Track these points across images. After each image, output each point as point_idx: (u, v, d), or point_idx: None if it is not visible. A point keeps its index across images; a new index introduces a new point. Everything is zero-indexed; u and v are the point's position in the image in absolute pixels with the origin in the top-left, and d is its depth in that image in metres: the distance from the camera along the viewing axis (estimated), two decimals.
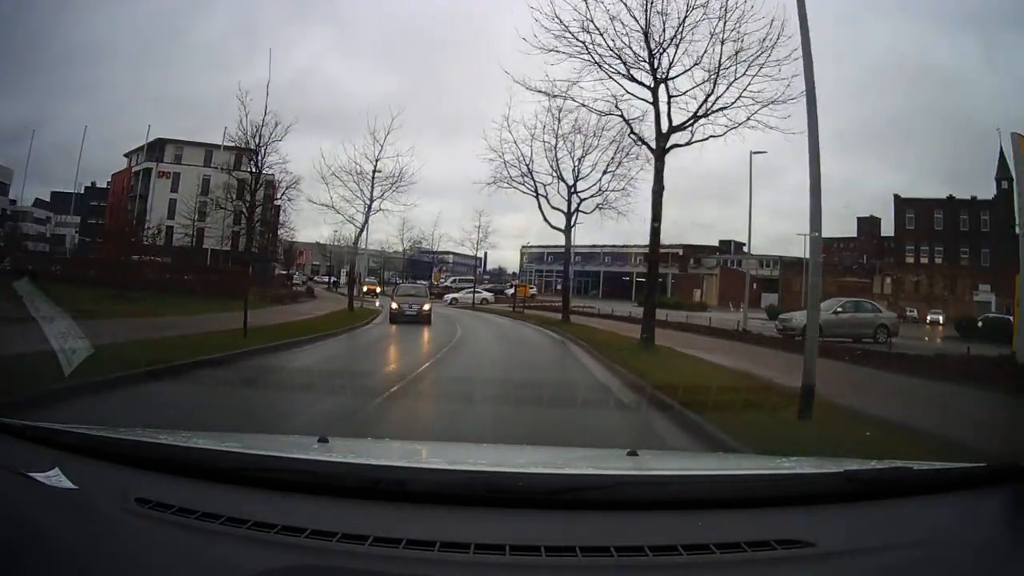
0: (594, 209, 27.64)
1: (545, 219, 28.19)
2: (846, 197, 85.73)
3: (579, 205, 27.60)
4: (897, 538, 1.65)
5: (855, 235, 69.82)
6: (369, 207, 29.94)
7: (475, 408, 7.48)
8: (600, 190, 27.21)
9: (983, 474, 1.92)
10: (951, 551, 1.62)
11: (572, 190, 27.35)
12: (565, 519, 1.68)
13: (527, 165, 27.53)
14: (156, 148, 55.99)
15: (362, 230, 31.32)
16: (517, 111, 36.93)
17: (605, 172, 27.00)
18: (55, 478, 1.76)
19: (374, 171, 29.69)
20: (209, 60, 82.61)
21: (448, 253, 71.68)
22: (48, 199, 67.13)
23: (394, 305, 24.38)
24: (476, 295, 48.32)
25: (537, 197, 27.77)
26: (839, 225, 65.01)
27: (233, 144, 41.50)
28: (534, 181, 27.83)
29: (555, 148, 26.89)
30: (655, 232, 16.07)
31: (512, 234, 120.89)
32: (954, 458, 2.68)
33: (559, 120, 25.82)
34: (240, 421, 5.83)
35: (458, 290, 52.89)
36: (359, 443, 3.03)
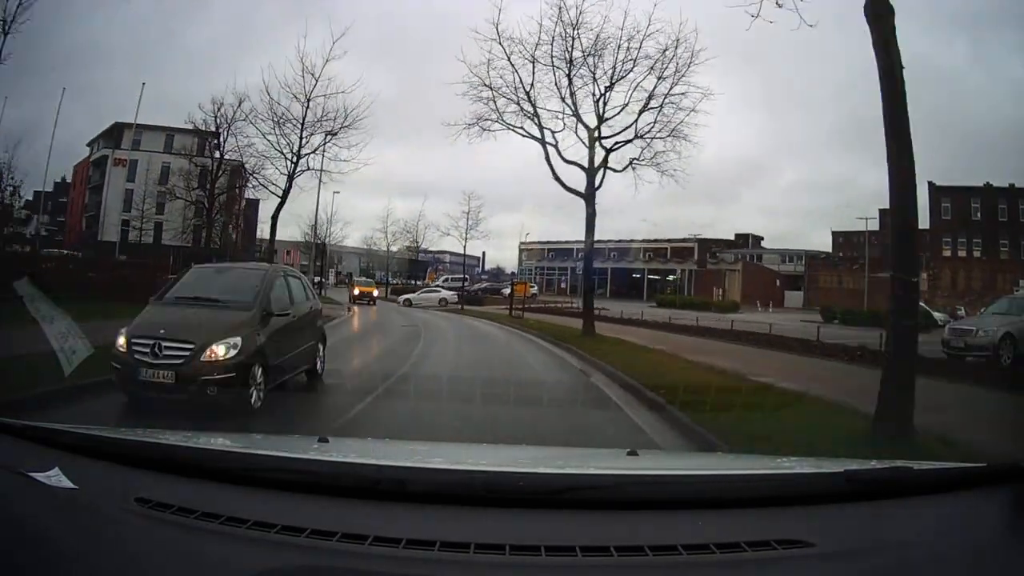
0: (627, 166, 19.46)
1: (556, 176, 19.43)
2: (845, 195, 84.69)
3: (606, 158, 19.13)
4: (897, 538, 1.65)
5: (877, 229, 64.67)
6: (295, 163, 21.14)
7: None
8: (636, 135, 18.94)
9: (983, 474, 1.92)
10: (951, 551, 1.62)
11: (595, 136, 18.78)
12: (565, 519, 1.68)
13: (528, 97, 18.95)
14: (114, 134, 49.40)
15: (284, 198, 22.48)
16: (512, 17, 23.80)
17: (645, 109, 18.76)
18: (55, 478, 1.76)
19: (304, 114, 21.41)
20: (203, 59, 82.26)
21: (445, 252, 70.33)
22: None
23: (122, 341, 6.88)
24: (433, 294, 42.40)
25: (544, 145, 19.19)
26: (846, 224, 62.63)
27: (193, 127, 36.64)
28: (538, 119, 19.04)
29: (569, 75, 18.60)
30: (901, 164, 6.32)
31: (514, 235, 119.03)
32: None
33: (576, 34, 18.18)
34: None
35: (413, 290, 47.29)
36: (359, 443, 3.04)
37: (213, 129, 35.36)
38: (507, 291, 43.91)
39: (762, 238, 74.39)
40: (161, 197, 43.37)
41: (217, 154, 38.45)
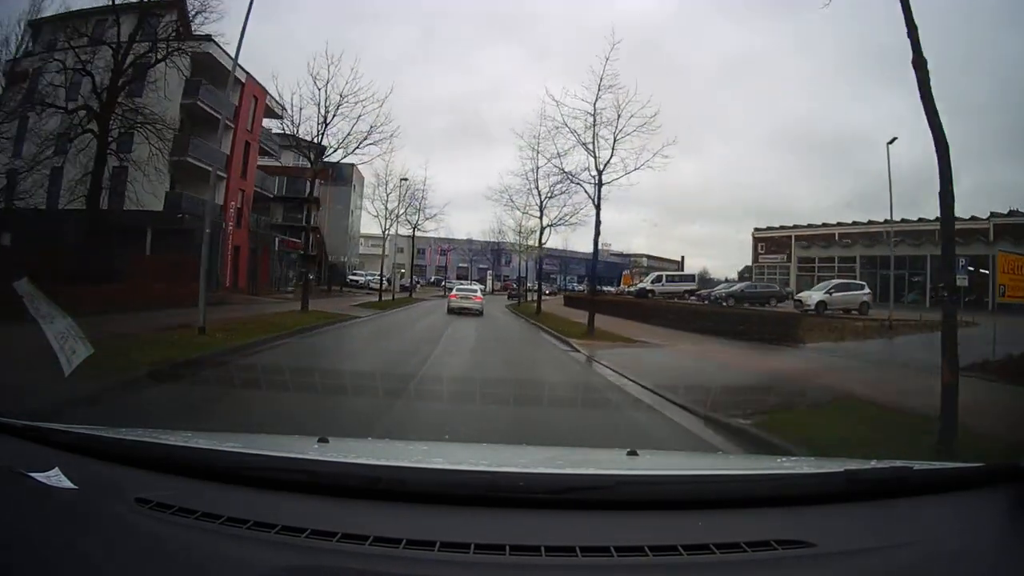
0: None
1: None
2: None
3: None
4: (897, 538, 1.65)
5: None
6: None
7: None
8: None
9: (983, 474, 1.93)
10: (951, 551, 1.62)
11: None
12: (565, 519, 1.68)
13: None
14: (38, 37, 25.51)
15: None
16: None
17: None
18: (55, 478, 1.76)
19: None
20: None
21: (642, 256, 66.54)
22: None
23: None
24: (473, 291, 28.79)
25: None
26: None
27: None
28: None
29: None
30: None
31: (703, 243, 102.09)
32: None
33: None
34: None
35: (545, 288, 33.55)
36: (359, 443, 3.02)
37: None
38: (813, 297, 25.62)
39: None
40: (65, 123, 22.19)
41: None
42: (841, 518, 1.73)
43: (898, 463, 1.96)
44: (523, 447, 3.29)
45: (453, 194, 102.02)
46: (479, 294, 29.29)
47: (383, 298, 33.75)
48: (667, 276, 40.69)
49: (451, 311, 26.23)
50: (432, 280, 65.97)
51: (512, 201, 29.76)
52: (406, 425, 6.03)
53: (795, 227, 47.03)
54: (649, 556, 1.52)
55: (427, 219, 38.02)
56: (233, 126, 29.58)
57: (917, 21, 7.03)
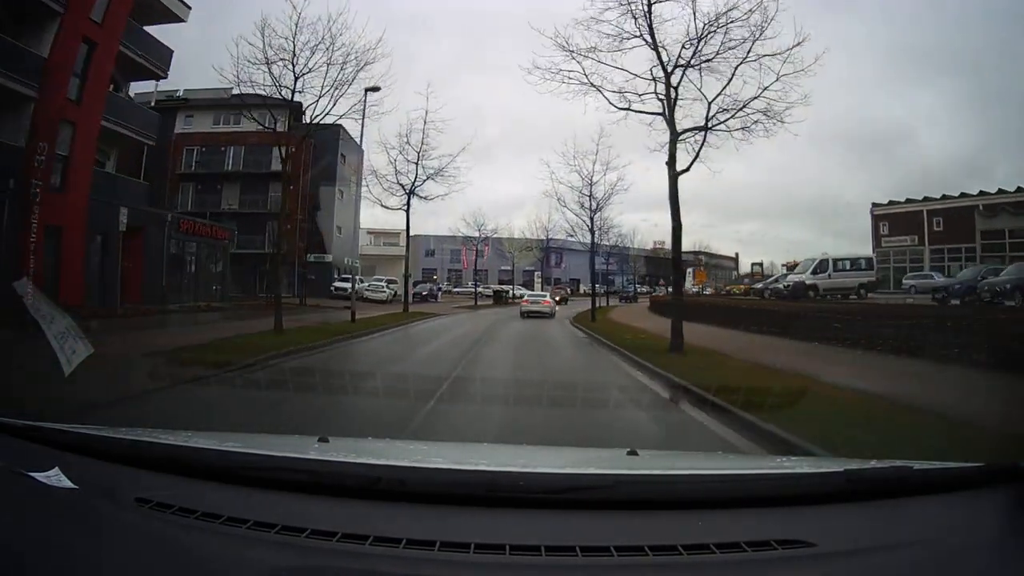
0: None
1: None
2: None
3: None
4: (897, 538, 1.65)
5: None
6: None
7: None
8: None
9: (983, 474, 1.92)
10: (951, 551, 1.62)
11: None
12: (565, 519, 1.68)
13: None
14: None
15: None
16: None
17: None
18: (55, 478, 1.77)
19: None
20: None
21: (701, 253, 64.47)
22: None
23: None
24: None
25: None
26: None
27: None
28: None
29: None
30: None
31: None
32: None
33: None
34: None
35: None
36: (359, 443, 3.02)
37: None
38: None
39: None
40: None
41: None
42: (841, 518, 1.73)
43: (898, 463, 1.96)
44: (523, 447, 3.30)
45: (495, 203, 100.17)
46: (548, 298, 33.74)
47: (348, 317, 20.19)
48: (834, 261, 26.25)
49: (524, 315, 29.99)
50: (472, 285, 50.89)
51: (588, 77, 14.23)
52: None
53: (925, 200, 38.06)
54: (649, 556, 1.52)
55: (429, 176, 25.63)
56: (62, 11, 17.60)
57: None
